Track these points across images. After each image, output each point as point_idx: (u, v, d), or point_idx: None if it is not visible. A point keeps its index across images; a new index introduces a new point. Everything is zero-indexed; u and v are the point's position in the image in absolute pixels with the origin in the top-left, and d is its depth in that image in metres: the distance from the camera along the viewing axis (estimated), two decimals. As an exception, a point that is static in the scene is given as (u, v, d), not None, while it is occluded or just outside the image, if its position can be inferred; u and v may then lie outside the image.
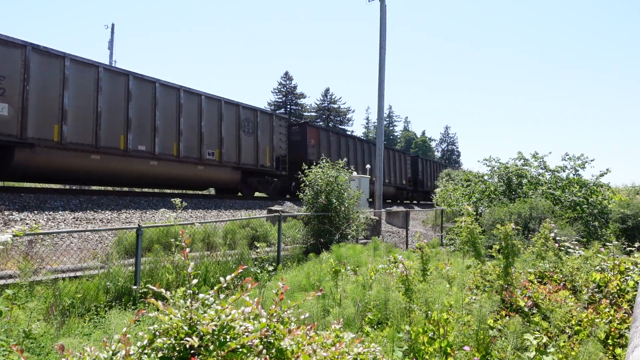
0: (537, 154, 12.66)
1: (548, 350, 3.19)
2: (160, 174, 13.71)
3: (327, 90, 68.49)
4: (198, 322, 1.76)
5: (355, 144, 24.20)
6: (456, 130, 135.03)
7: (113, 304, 5.31)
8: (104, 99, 12.10)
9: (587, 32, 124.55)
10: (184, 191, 17.56)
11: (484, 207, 11.81)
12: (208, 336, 1.72)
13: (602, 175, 11.63)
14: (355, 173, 14.39)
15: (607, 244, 5.45)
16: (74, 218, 9.60)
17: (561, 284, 4.73)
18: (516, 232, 4.38)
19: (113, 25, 30.67)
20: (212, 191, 19.46)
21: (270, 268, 6.43)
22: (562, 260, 5.28)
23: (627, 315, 3.87)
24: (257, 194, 18.75)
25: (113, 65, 24.74)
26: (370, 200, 18.94)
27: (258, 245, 7.22)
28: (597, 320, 3.68)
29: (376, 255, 7.74)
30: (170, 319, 1.77)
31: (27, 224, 8.50)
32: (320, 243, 9.61)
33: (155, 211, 11.46)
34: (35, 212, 9.32)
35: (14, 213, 8.91)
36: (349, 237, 10.20)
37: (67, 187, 16.24)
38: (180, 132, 14.06)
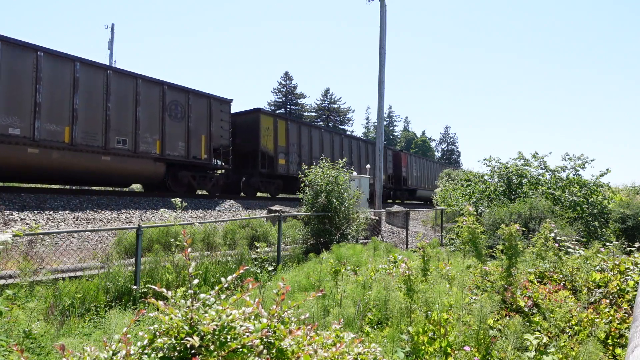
0: (537, 154, 12.66)
1: (548, 350, 3.19)
2: (42, 165, 10.98)
3: (327, 90, 68.55)
4: (199, 322, 1.76)
5: (322, 135, 21.17)
6: (456, 130, 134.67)
7: (113, 304, 5.32)
8: None
9: (587, 32, 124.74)
10: (84, 187, 14.41)
11: (484, 207, 11.80)
12: (209, 336, 1.72)
13: (602, 175, 11.64)
14: (355, 173, 14.36)
15: (607, 244, 5.45)
16: (74, 218, 9.60)
17: (561, 284, 4.73)
18: (520, 233, 4.39)
19: (113, 25, 30.69)
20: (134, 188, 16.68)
21: (270, 268, 6.44)
22: (562, 260, 5.28)
23: (627, 315, 3.87)
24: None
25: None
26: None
27: (258, 245, 7.23)
28: (597, 320, 3.68)
29: (376, 255, 7.74)
30: (171, 318, 1.77)
31: (27, 224, 8.50)
32: (320, 243, 9.61)
33: (155, 211, 11.47)
34: (35, 212, 9.32)
35: (14, 213, 8.91)
36: (349, 237, 10.20)
37: (68, 187, 16.19)
38: (74, 113, 11.40)
